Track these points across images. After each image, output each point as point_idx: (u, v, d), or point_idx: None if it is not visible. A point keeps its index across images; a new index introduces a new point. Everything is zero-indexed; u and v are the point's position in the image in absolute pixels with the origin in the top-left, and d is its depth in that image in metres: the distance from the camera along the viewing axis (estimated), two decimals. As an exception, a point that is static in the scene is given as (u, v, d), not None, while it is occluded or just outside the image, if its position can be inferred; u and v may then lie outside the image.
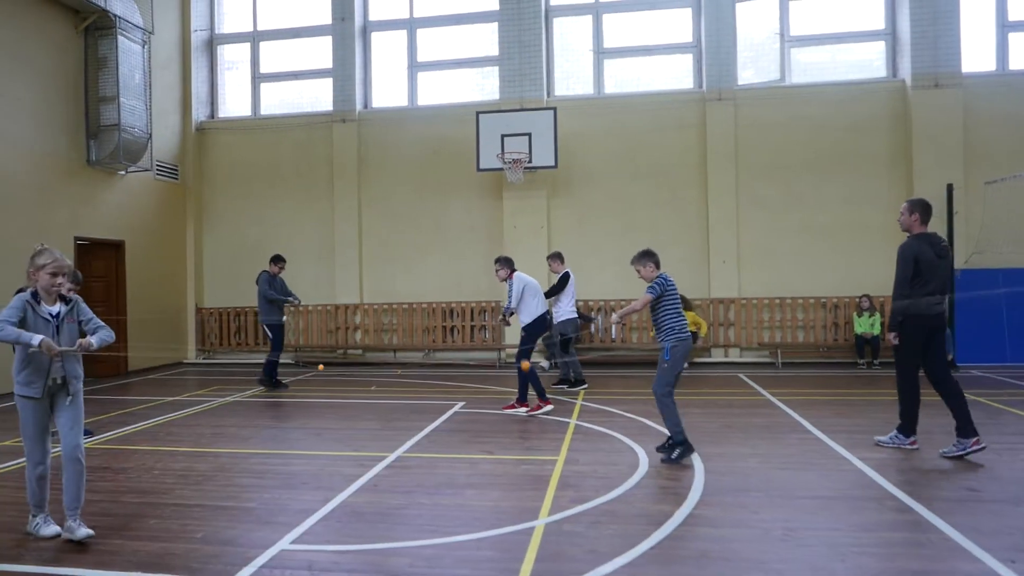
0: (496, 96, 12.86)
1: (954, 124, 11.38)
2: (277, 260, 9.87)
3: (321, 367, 6.20)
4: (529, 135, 11.81)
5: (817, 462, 5.42)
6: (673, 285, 5.63)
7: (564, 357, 9.30)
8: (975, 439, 5.37)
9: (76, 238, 10.94)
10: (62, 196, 10.67)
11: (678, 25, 12.79)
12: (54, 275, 3.91)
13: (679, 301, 5.68)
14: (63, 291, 4.02)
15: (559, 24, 13.04)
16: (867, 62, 12.35)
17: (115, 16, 11.01)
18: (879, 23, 12.19)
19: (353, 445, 6.27)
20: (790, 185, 12.08)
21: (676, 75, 12.83)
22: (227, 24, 14.27)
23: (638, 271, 5.73)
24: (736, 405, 7.99)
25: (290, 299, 9.88)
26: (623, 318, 5.92)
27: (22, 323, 3.83)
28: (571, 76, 13.08)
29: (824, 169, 11.98)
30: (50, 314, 3.95)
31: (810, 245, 12.00)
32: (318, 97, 13.76)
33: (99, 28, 11.04)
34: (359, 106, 13.36)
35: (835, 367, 11.31)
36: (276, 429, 7.10)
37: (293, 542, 3.90)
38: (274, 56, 14.06)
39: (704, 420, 7.14)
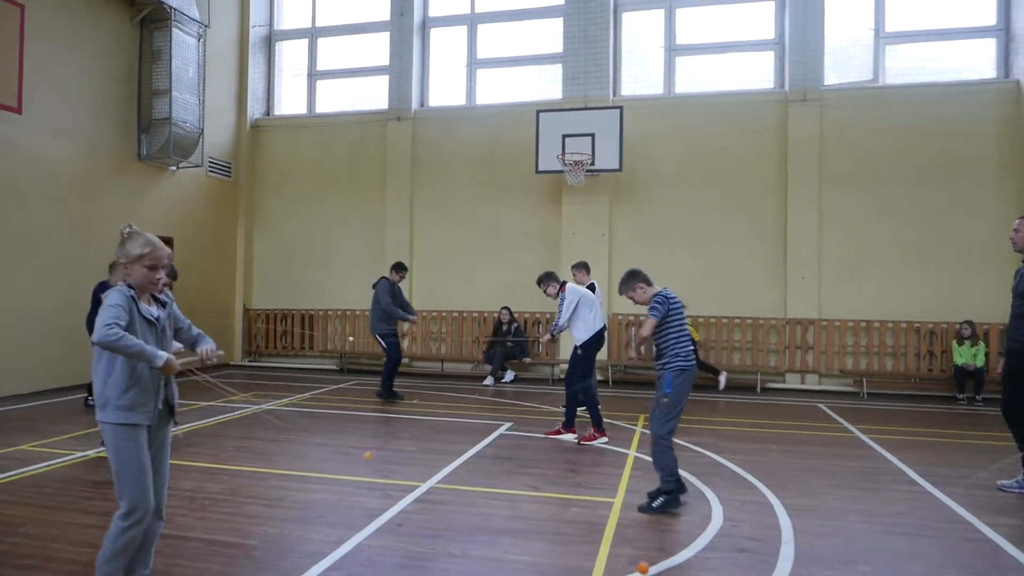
0: (558, 96, 12.13)
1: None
2: (399, 268, 9.27)
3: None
4: (592, 136, 11.02)
5: (934, 526, 4.42)
6: (677, 302, 4.84)
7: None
8: None
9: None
10: (112, 190, 10.47)
11: (759, 20, 11.78)
12: (152, 268, 2.94)
13: (685, 321, 4.86)
14: (158, 290, 3.07)
15: (628, 19, 12.22)
16: (972, 61, 11.07)
17: (171, 8, 10.80)
18: (989, 18, 10.91)
19: (383, 470, 5.58)
20: (880, 195, 10.89)
21: (755, 74, 11.82)
22: (286, 20, 14.03)
23: (631, 298, 5.01)
24: (820, 443, 6.96)
25: (409, 316, 9.31)
26: (639, 349, 5.30)
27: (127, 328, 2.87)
28: (640, 75, 12.22)
29: (920, 178, 10.75)
30: (153, 317, 2.99)
31: (901, 263, 10.78)
32: (374, 95, 13.31)
33: (154, 20, 10.85)
34: (415, 104, 12.84)
35: (930, 401, 10.04)
36: (303, 445, 6.49)
37: (288, 600, 3.22)
38: (332, 53, 13.71)
39: (785, 460, 6.18)
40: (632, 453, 6.30)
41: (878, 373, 10.71)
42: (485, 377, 11.12)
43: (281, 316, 13.10)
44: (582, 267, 8.98)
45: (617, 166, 11.01)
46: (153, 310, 3.01)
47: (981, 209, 10.52)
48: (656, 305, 4.79)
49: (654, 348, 4.94)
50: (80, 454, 5.95)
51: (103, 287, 7.95)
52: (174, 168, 11.55)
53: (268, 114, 13.90)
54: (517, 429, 7.37)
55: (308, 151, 13.34)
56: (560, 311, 7.18)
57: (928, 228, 10.69)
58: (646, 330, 4.86)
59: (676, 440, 6.59)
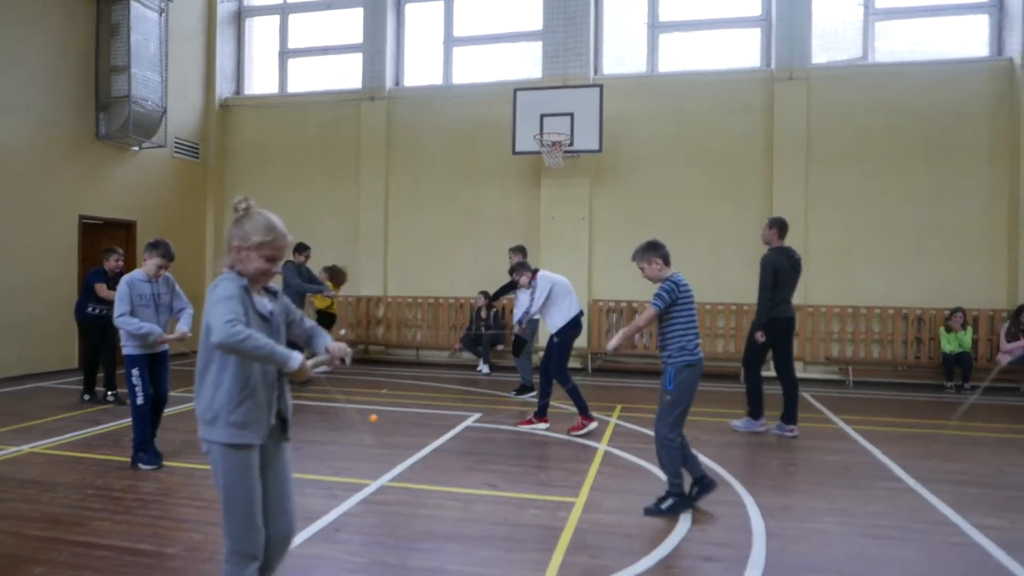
0: (538, 76, 11.68)
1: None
2: (301, 249, 9.30)
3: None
4: (571, 115, 10.59)
5: (917, 528, 4.10)
6: (688, 290, 4.36)
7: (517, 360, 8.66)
8: (791, 427, 6.49)
9: (82, 217, 10.26)
10: (68, 171, 10.00)
11: (745, -4, 11.36)
12: (271, 260, 2.44)
13: (694, 311, 4.38)
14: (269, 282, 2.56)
15: (611, -5, 11.77)
16: (965, 39, 10.69)
17: (129, -20, 10.28)
18: (983, -7, 10.53)
19: (333, 467, 5.23)
20: (869, 178, 10.54)
21: (741, 52, 11.41)
22: (256, -5, 13.49)
23: (642, 269, 4.50)
24: (802, 435, 6.65)
25: (322, 289, 9.39)
26: (623, 341, 4.65)
27: None
28: (622, 53, 11.78)
29: (910, 161, 10.39)
30: (267, 312, 2.50)
31: (889, 247, 10.44)
32: (348, 74, 12.82)
33: (112, -8, 10.33)
34: (389, 83, 12.38)
35: (917, 389, 9.75)
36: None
37: (193, 621, 2.86)
38: (304, 30, 13.20)
39: (762, 454, 5.86)
40: (603, 447, 5.96)
41: (864, 361, 10.41)
42: (482, 368, 10.72)
43: (253, 303, 12.66)
44: (518, 251, 8.69)
45: (597, 147, 10.60)
46: (266, 303, 2.50)
47: (972, 192, 10.19)
48: (662, 293, 4.30)
49: (658, 338, 4.48)
50: (13, 449, 5.56)
51: (97, 275, 7.55)
52: (136, 148, 11.06)
53: (238, 93, 13.39)
54: (486, 420, 7.03)
55: (280, 132, 12.86)
56: (531, 300, 6.87)
57: (918, 211, 10.36)
58: (642, 321, 4.40)
59: (648, 432, 6.30)
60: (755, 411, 6.75)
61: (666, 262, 4.46)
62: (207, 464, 2.44)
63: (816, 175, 10.66)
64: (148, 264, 5.20)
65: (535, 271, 7.01)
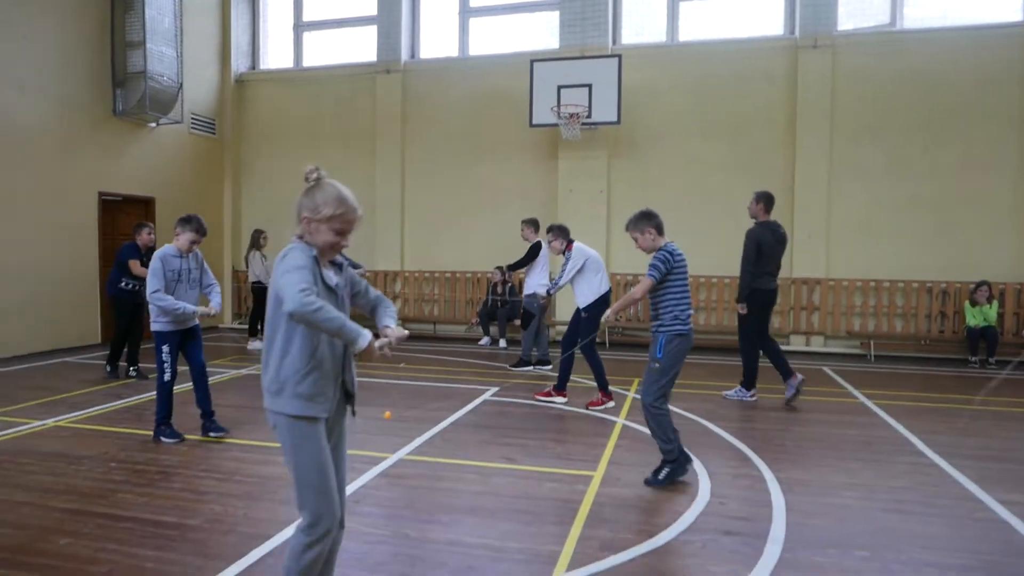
0: (555, 47, 11.48)
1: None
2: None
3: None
4: (589, 86, 10.43)
5: (941, 504, 4.04)
6: (682, 260, 4.33)
7: (526, 334, 8.70)
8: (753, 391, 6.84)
9: (101, 193, 10.32)
10: (86, 148, 10.04)
11: (768, -39, 11.04)
12: (341, 233, 2.37)
13: (687, 282, 4.36)
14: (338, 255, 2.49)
15: (629, -38, 11.49)
16: (998, 4, 10.32)
17: (143, -47, 10.19)
18: (1017, -45, 10.14)
19: (352, 440, 5.15)
20: (894, 149, 10.28)
21: (764, 20, 11.13)
22: (270, -32, 13.35)
23: (635, 239, 4.46)
24: (822, 409, 6.58)
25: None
26: (619, 312, 4.75)
27: None
28: (641, 22, 11.53)
29: (938, 131, 10.12)
30: (334, 284, 2.43)
31: (914, 219, 10.22)
32: (363, 47, 12.70)
33: (126, -34, 10.26)
34: (404, 56, 12.25)
35: (940, 364, 9.60)
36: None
37: (215, 591, 2.90)
38: (318, 2, 13.06)
39: (782, 428, 5.81)
40: (621, 421, 5.95)
41: (887, 335, 10.27)
42: (483, 340, 10.93)
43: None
44: (530, 224, 8.68)
45: (615, 119, 10.45)
46: (333, 276, 2.44)
47: (1000, 162, 9.91)
48: (657, 263, 4.29)
49: (651, 308, 4.48)
50: (39, 423, 5.66)
51: (130, 250, 7.60)
52: (153, 125, 11.07)
53: (254, 68, 13.33)
54: (504, 394, 7.04)
55: (296, 107, 12.81)
56: (563, 270, 6.82)
57: (944, 183, 10.11)
58: (638, 291, 4.42)
59: (672, 407, 6.25)
60: (748, 382, 6.91)
61: (660, 232, 4.42)
62: (264, 439, 2.42)
63: (840, 146, 10.43)
64: (181, 239, 5.21)
65: (571, 241, 6.92)
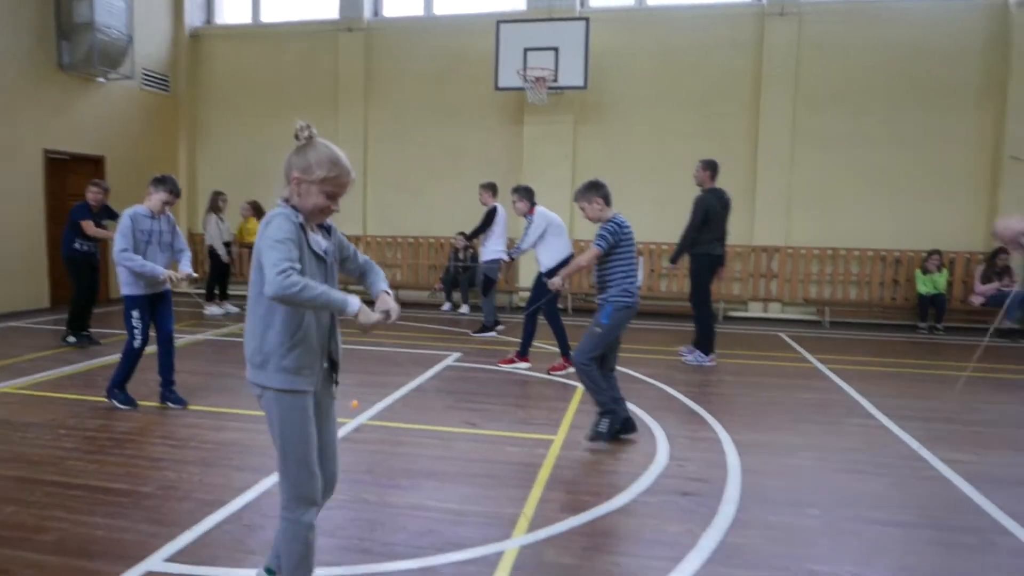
0: (523, 7, 11.26)
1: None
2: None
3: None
4: (556, 50, 10.29)
5: (889, 463, 4.18)
6: (629, 230, 4.38)
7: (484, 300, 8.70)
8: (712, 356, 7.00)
9: (47, 151, 9.88)
10: (30, 103, 9.56)
11: (737, -75, 10.91)
12: (332, 197, 2.24)
13: (634, 252, 4.42)
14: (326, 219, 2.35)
15: (597, -79, 11.27)
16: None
17: None
18: (979, -75, 10.20)
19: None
20: (856, 119, 10.40)
21: (730, -15, 11.05)
22: (225, -84, 12.76)
23: (582, 209, 4.48)
24: (778, 373, 6.73)
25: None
26: (566, 279, 4.83)
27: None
28: (608, -16, 11.37)
29: (899, 102, 10.25)
30: (322, 250, 2.30)
31: (873, 189, 10.40)
32: (324, 3, 12.28)
33: (69, -91, 9.68)
34: (368, 14, 11.89)
35: (891, 330, 9.89)
36: (234, 379, 6.07)
37: (169, 558, 2.85)
38: (276, -46, 12.57)
39: (741, 392, 5.92)
40: (582, 386, 5.98)
41: (841, 302, 10.52)
42: (445, 306, 10.95)
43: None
44: (489, 188, 8.59)
45: (582, 83, 10.34)
46: (321, 240, 2.30)
47: (958, 134, 10.11)
48: (605, 234, 4.32)
49: (595, 277, 4.53)
50: (-17, 389, 5.46)
51: (81, 211, 7.21)
52: (102, 80, 10.59)
53: (209, 22, 12.81)
54: (466, 360, 7.03)
55: (254, 64, 12.38)
56: (526, 233, 6.78)
57: (902, 153, 10.28)
58: (585, 260, 4.47)
59: (628, 372, 6.36)
60: (706, 347, 7.03)
61: (607, 202, 4.45)
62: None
63: (803, 115, 10.51)
64: (153, 199, 4.98)
65: (534, 205, 6.88)
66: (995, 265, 9.44)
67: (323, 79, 12.04)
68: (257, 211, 10.65)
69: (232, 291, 10.61)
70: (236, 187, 11.32)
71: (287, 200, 2.26)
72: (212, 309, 9.95)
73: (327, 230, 2.38)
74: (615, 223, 4.35)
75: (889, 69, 10.23)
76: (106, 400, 5.05)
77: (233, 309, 10.15)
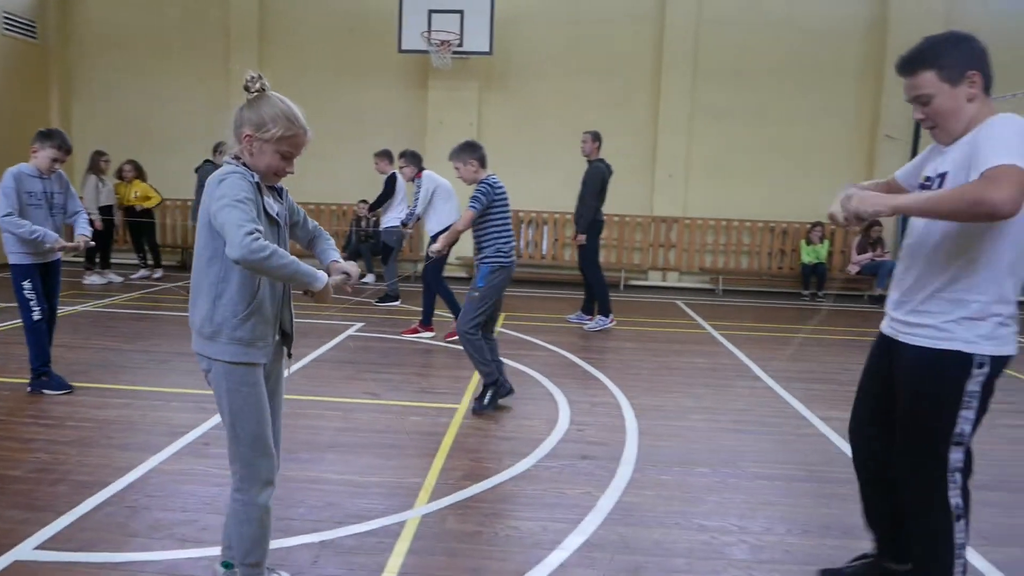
0: (427, -34, 10.92)
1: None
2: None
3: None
4: (461, 13, 10.07)
5: (772, 422, 4.46)
6: (503, 191, 4.46)
7: (384, 268, 8.72)
8: (609, 318, 7.28)
9: None
10: None
11: None
12: (287, 157, 2.09)
13: (508, 213, 4.52)
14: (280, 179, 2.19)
15: None
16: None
17: None
18: (864, -87, 10.74)
19: (201, 380, 4.92)
20: (749, 94, 10.84)
21: (635, -43, 11.15)
22: None
23: (457, 169, 4.56)
24: (674, 340, 7.02)
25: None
26: (446, 245, 4.90)
27: None
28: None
29: (790, 79, 10.75)
30: (275, 213, 2.13)
31: (767, 163, 10.92)
32: (212, -50, 11.46)
33: None
34: (261, -36, 11.20)
35: (778, 297, 10.52)
36: (115, 352, 5.68)
37: (40, 545, 2.64)
38: None
39: (639, 358, 6.13)
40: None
41: (734, 271, 11.06)
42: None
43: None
44: (384, 156, 8.54)
45: (487, 48, 10.21)
46: (274, 204, 2.13)
47: (840, 111, 10.74)
48: (479, 195, 4.37)
49: (474, 240, 4.54)
50: None
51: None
52: (-46, 22, 9.49)
53: (81, -36, 11.69)
54: (368, 330, 6.90)
55: (134, 13, 11.42)
56: (416, 199, 6.71)
57: (791, 128, 10.82)
58: (461, 224, 4.54)
59: (531, 340, 6.45)
60: (604, 309, 7.31)
61: (482, 164, 4.52)
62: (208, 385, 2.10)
63: (702, 88, 10.84)
64: (40, 157, 4.38)
65: (421, 169, 6.81)
66: (869, 236, 10.18)
67: (212, 32, 11.29)
68: (139, 173, 9.94)
69: (114, 259, 9.90)
70: (116, 147, 10.47)
71: (238, 158, 2.09)
72: (92, 278, 9.26)
73: (278, 192, 2.23)
74: (487, 184, 4.39)
75: (779, 48, 10.69)
76: (34, 393, 4.50)
77: (116, 278, 9.49)
